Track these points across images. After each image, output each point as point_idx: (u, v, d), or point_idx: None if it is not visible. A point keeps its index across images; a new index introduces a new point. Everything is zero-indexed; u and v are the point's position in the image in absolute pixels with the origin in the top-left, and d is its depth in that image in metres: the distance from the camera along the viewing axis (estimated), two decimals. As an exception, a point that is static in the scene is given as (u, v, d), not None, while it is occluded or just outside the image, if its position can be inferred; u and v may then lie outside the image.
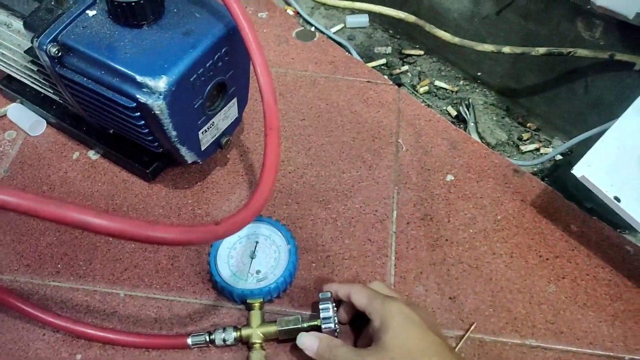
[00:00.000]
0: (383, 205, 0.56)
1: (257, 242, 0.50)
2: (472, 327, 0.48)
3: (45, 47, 0.44)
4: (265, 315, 0.47)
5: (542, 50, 0.69)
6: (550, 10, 0.70)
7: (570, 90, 0.73)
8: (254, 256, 0.49)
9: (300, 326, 0.44)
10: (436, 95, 0.81)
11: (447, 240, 0.53)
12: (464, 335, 0.47)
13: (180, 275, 0.50)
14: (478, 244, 0.53)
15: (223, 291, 0.48)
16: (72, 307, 0.48)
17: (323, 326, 0.43)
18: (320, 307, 0.44)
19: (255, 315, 0.46)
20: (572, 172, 0.49)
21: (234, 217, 0.39)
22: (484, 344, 0.47)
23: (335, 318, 0.44)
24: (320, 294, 0.45)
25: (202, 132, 0.50)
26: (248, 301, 0.46)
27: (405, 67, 0.84)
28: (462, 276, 0.51)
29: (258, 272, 0.48)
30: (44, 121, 0.60)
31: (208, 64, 0.45)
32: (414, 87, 0.82)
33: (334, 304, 0.44)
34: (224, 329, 0.45)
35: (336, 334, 0.44)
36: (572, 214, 0.56)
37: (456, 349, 0.47)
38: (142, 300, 0.49)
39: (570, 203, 0.57)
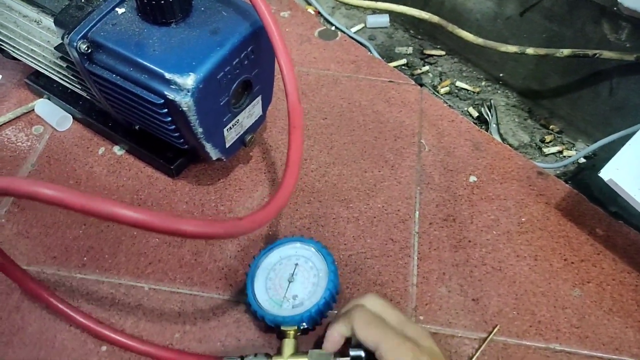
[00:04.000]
0: (405, 205, 0.55)
1: (296, 265, 0.48)
2: (496, 330, 0.47)
3: (75, 44, 0.44)
4: (300, 345, 0.44)
5: (566, 51, 0.68)
6: (575, 12, 0.69)
7: (595, 92, 0.72)
8: (292, 280, 0.47)
9: None
10: (457, 96, 0.80)
11: (470, 241, 0.53)
12: (487, 338, 0.47)
13: (203, 271, 0.51)
14: (502, 246, 0.53)
15: (255, 314, 0.45)
16: (97, 300, 0.49)
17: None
18: (351, 351, 0.40)
19: (288, 344, 0.43)
20: (599, 175, 0.48)
21: (257, 214, 0.39)
22: (508, 346, 0.47)
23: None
24: (353, 339, 0.41)
25: (227, 130, 0.50)
26: (282, 328, 0.44)
27: (426, 68, 0.83)
28: (485, 278, 0.51)
29: (295, 297, 0.46)
30: (71, 117, 0.61)
31: (235, 62, 0.45)
32: (434, 87, 0.81)
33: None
34: (255, 355, 0.43)
35: None
36: (598, 217, 0.55)
37: (479, 351, 0.46)
38: (166, 294, 0.49)
39: (596, 207, 0.56)
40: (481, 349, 0.47)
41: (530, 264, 0.52)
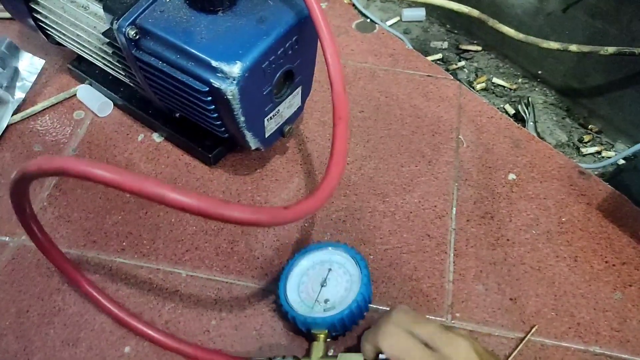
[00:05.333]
0: (442, 201, 0.55)
1: (329, 270, 0.47)
2: (533, 330, 0.47)
3: (124, 30, 0.45)
4: (331, 349, 0.45)
5: (611, 49, 0.67)
6: (621, 9, 0.67)
7: (638, 92, 0.70)
8: (325, 284, 0.46)
9: None
10: (493, 93, 0.79)
11: (508, 240, 0.52)
12: (524, 338, 0.46)
13: (239, 259, 0.51)
14: (541, 246, 0.52)
15: (286, 316, 0.45)
16: (136, 285, 0.49)
17: None
18: (381, 357, 0.39)
19: (317, 347, 0.43)
20: (647, 176, 0.47)
21: (302, 203, 0.39)
22: (545, 347, 0.46)
23: None
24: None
25: (268, 119, 0.50)
26: (312, 331, 0.43)
27: (462, 63, 0.82)
28: (523, 277, 0.50)
29: (326, 301, 0.45)
30: (111, 103, 0.62)
31: (279, 52, 0.45)
32: (470, 83, 0.80)
33: None
34: (283, 358, 0.43)
35: None
36: (641, 220, 0.54)
37: (516, 351, 0.46)
38: (202, 281, 0.49)
39: (639, 209, 0.55)
40: (518, 349, 0.46)
41: (570, 264, 0.51)
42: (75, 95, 0.63)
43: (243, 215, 0.34)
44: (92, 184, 0.55)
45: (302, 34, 0.47)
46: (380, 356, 0.39)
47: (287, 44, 0.46)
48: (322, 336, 0.43)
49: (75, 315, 0.48)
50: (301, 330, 0.45)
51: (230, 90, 0.43)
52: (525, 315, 0.48)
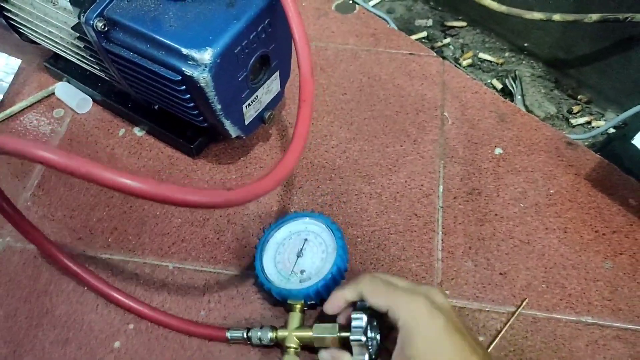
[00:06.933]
0: (429, 180, 0.54)
1: (305, 240, 0.47)
2: (524, 303, 0.46)
3: (91, 22, 0.44)
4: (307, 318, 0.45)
5: (595, 16, 0.65)
6: (605, -26, 0.66)
7: (625, 59, 0.69)
8: (301, 255, 0.46)
9: (335, 335, 0.41)
10: (480, 68, 0.78)
11: (496, 215, 0.52)
12: (515, 312, 0.46)
13: (226, 249, 0.51)
14: (529, 219, 0.51)
15: (262, 287, 0.46)
16: (123, 279, 0.49)
17: (351, 337, 0.39)
18: (353, 315, 0.39)
19: (294, 317, 0.44)
20: (633, 142, 0.46)
21: (249, 185, 0.37)
22: (537, 320, 0.46)
23: (369, 330, 0.39)
24: (358, 303, 0.41)
25: (246, 106, 0.49)
26: (288, 302, 0.44)
27: (447, 40, 0.81)
28: (513, 252, 0.49)
29: (302, 271, 0.45)
30: (90, 99, 0.61)
31: (251, 36, 0.45)
32: (456, 60, 0.79)
33: (372, 315, 0.40)
34: (261, 328, 0.43)
35: (369, 347, 0.39)
36: (631, 187, 0.53)
37: (507, 325, 0.45)
38: (190, 273, 0.49)
39: (629, 177, 0.54)
40: (509, 322, 0.46)
41: (560, 236, 0.50)
42: (53, 93, 0.62)
43: (180, 196, 0.33)
44: (77, 181, 0.55)
45: (275, 17, 0.46)
46: (353, 315, 0.39)
47: (260, 28, 0.45)
48: (298, 306, 0.44)
49: (63, 316, 0.47)
50: (278, 300, 0.45)
51: (203, 77, 0.42)
52: (516, 289, 0.47)
